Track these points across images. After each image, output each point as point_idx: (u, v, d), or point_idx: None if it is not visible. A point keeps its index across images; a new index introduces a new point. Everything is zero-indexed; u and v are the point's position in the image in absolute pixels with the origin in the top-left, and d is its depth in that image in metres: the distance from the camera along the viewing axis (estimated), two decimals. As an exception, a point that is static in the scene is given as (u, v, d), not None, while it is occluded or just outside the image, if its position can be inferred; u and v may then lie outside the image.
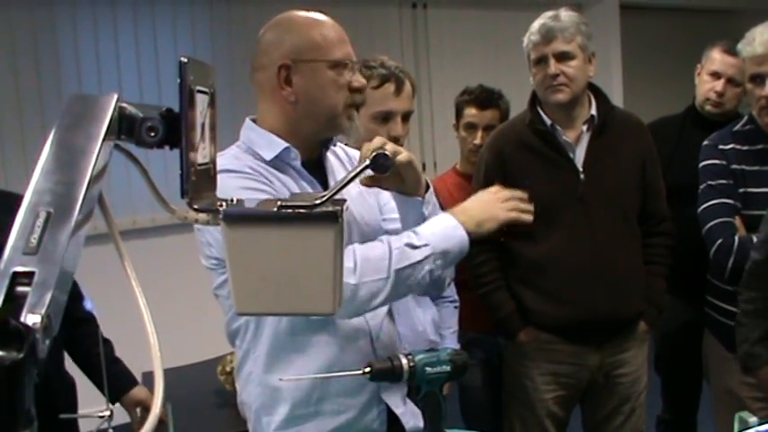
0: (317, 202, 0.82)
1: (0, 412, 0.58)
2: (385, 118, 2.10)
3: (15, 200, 0.69)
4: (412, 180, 1.52)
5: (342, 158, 1.71)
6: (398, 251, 1.45)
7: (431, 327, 2.34)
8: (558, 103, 2.29)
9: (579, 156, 2.32)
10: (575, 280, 2.28)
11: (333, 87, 1.53)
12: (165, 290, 3.66)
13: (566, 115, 2.33)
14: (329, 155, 1.67)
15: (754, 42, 2.20)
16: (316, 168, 1.62)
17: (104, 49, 4.32)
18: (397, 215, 1.61)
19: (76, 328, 2.12)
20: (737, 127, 2.36)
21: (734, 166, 2.29)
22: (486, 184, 2.37)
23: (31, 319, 0.60)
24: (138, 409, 2.21)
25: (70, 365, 2.18)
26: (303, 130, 1.57)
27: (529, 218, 1.60)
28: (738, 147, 2.32)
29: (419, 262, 1.46)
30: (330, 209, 0.83)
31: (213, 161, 0.87)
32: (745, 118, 2.38)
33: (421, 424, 1.52)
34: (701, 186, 2.33)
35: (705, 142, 2.40)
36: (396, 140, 1.98)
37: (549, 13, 2.30)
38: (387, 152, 1.06)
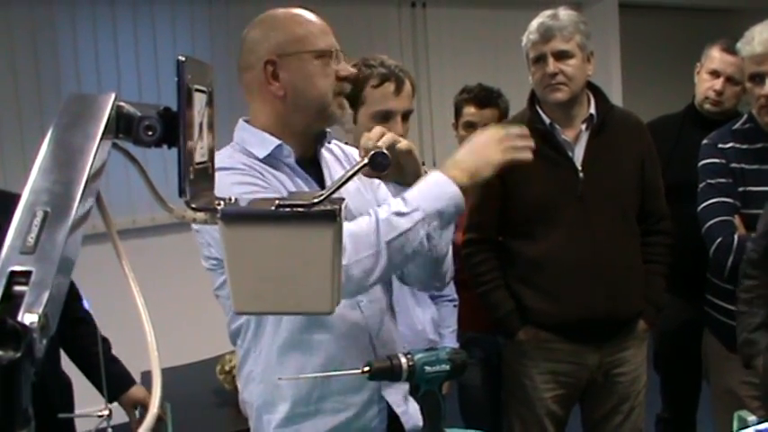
0: (316, 200, 0.82)
1: (-3, 412, 0.58)
2: (385, 117, 2.10)
3: (13, 199, 0.68)
4: (411, 169, 1.51)
5: (338, 155, 1.71)
6: (385, 222, 1.40)
7: (430, 326, 2.34)
8: (556, 101, 2.29)
9: (578, 155, 2.32)
10: (574, 279, 2.28)
11: (320, 77, 1.54)
12: (164, 289, 3.66)
13: (565, 114, 2.33)
14: (324, 152, 1.67)
15: (754, 41, 2.20)
16: (311, 166, 1.62)
17: (103, 48, 4.32)
18: None
19: (74, 327, 2.12)
20: (737, 126, 2.36)
21: (733, 165, 2.29)
22: (485, 182, 2.37)
23: (29, 318, 0.60)
24: (138, 409, 2.20)
25: (68, 366, 2.18)
26: (295, 125, 1.58)
27: (528, 155, 1.53)
28: (738, 145, 2.32)
29: (410, 229, 1.40)
30: (328, 208, 0.82)
31: (211, 160, 0.87)
32: (745, 116, 2.38)
33: (420, 423, 1.52)
34: (701, 185, 2.33)
35: (704, 141, 2.40)
36: None
37: (548, 12, 2.30)
38: (385, 151, 1.06)
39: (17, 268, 0.63)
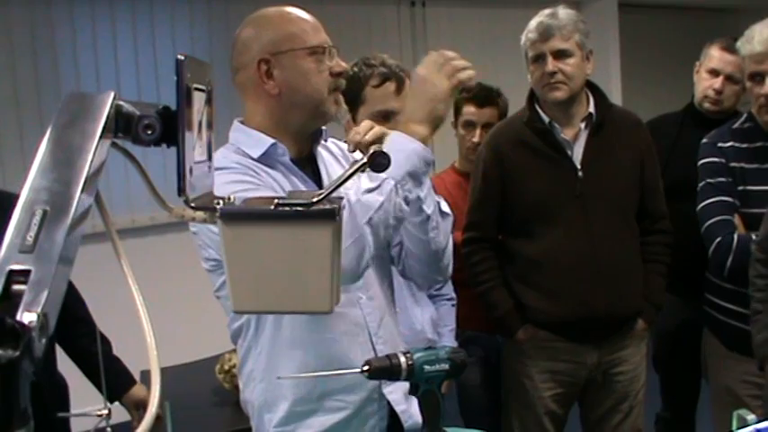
0: (315, 200, 0.82)
1: (-4, 411, 0.58)
2: (385, 117, 2.10)
3: (11, 199, 0.68)
4: None
5: (335, 153, 1.71)
6: (358, 204, 1.39)
7: (429, 325, 2.34)
8: (555, 100, 2.28)
9: (577, 153, 2.32)
10: (573, 277, 2.28)
11: (314, 73, 1.53)
12: (163, 288, 3.66)
13: (564, 113, 2.33)
14: (321, 150, 1.67)
15: (754, 40, 2.20)
16: (307, 164, 1.62)
17: (103, 47, 4.32)
18: None
19: (74, 327, 2.12)
20: (736, 124, 2.36)
21: (733, 164, 2.29)
22: (485, 181, 2.39)
23: (28, 317, 0.60)
24: (140, 410, 2.20)
25: (67, 368, 2.17)
26: (291, 123, 1.57)
27: (471, 73, 1.48)
28: (737, 144, 2.31)
29: (385, 201, 1.40)
30: (327, 207, 0.82)
31: (210, 159, 0.87)
32: (745, 115, 2.38)
33: (420, 421, 1.52)
34: (700, 184, 2.33)
35: (704, 140, 2.40)
36: None
37: (547, 11, 2.30)
38: (385, 150, 1.06)
39: (16, 267, 0.63)
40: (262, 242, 0.82)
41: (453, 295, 2.48)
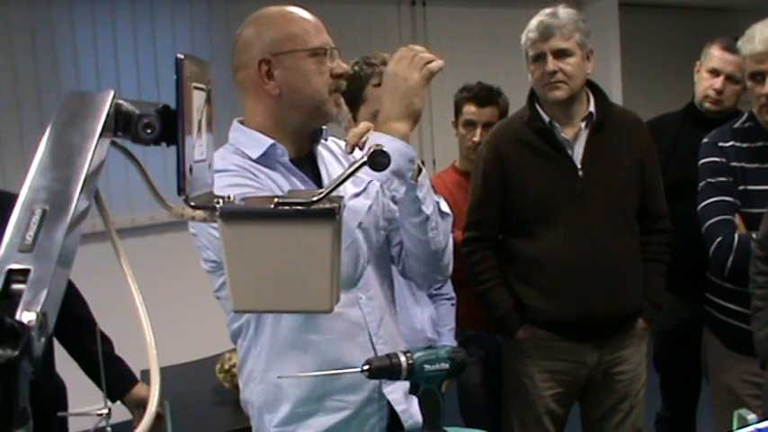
0: (315, 198, 0.82)
1: (-5, 410, 0.58)
2: None
3: (10, 199, 0.68)
4: None
5: (335, 152, 1.70)
6: (347, 210, 1.38)
7: (429, 325, 2.34)
8: (556, 100, 2.28)
9: (578, 153, 2.32)
10: (573, 277, 2.28)
11: (315, 75, 1.53)
12: (164, 288, 3.67)
13: (564, 112, 2.33)
14: (321, 149, 1.67)
15: (754, 40, 2.20)
16: (307, 163, 1.62)
17: (103, 47, 4.32)
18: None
19: (76, 327, 2.11)
20: (737, 124, 2.36)
21: (733, 164, 2.29)
22: (485, 181, 2.38)
23: (27, 316, 0.60)
24: (142, 409, 2.20)
25: (67, 368, 2.17)
26: (290, 124, 1.57)
27: (439, 63, 1.48)
28: (738, 144, 2.31)
29: (373, 203, 1.41)
30: (327, 206, 0.82)
31: (210, 158, 0.87)
32: (745, 115, 2.38)
33: (421, 421, 1.52)
34: (701, 184, 2.33)
35: (704, 139, 2.39)
36: None
37: (547, 11, 2.30)
38: (385, 149, 1.06)
39: (15, 266, 0.63)
40: (261, 241, 0.82)
41: (453, 294, 2.48)
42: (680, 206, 2.44)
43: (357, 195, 1.41)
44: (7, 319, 0.58)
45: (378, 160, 1.00)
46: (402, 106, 1.46)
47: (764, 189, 2.24)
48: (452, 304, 2.47)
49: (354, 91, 2.08)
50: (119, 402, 2.17)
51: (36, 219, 0.66)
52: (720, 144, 2.33)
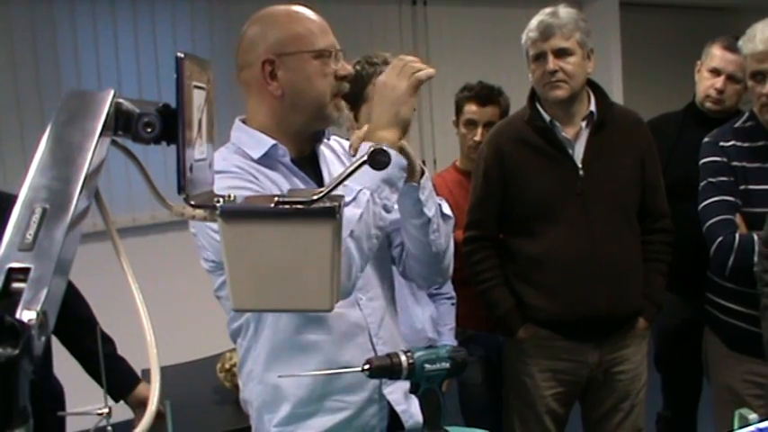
0: (315, 197, 0.82)
1: (-5, 409, 0.58)
2: None
3: (10, 200, 0.68)
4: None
5: (337, 151, 1.70)
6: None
7: (429, 324, 2.34)
8: (556, 99, 2.28)
9: (578, 152, 2.32)
10: (573, 276, 2.28)
11: (318, 77, 1.52)
12: (164, 287, 3.67)
13: (565, 112, 2.33)
14: (323, 149, 1.66)
15: (755, 39, 2.19)
16: (308, 164, 1.62)
17: (103, 46, 4.32)
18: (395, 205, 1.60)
19: (77, 328, 2.11)
20: (738, 124, 2.36)
21: (734, 163, 2.28)
22: (486, 180, 2.38)
23: (27, 315, 0.60)
24: (143, 408, 2.20)
25: (67, 368, 2.17)
26: (292, 125, 1.57)
27: (430, 71, 1.48)
28: (739, 143, 2.31)
29: (364, 212, 1.40)
30: (328, 204, 0.82)
31: (210, 157, 0.87)
32: (746, 114, 2.37)
33: (421, 421, 1.52)
34: (702, 183, 2.33)
35: (705, 139, 2.39)
36: None
37: (548, 10, 2.30)
38: (385, 148, 1.06)
39: (15, 265, 0.63)
40: (262, 240, 0.82)
41: (453, 294, 2.48)
42: (681, 206, 2.43)
43: (347, 204, 1.40)
44: (7, 318, 0.58)
45: (378, 159, 1.00)
46: (389, 115, 1.46)
47: (765, 188, 2.24)
48: (452, 303, 2.47)
49: (356, 90, 2.08)
50: (120, 402, 2.17)
51: (36, 218, 0.66)
52: (721, 143, 2.33)
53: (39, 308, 0.61)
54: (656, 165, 2.43)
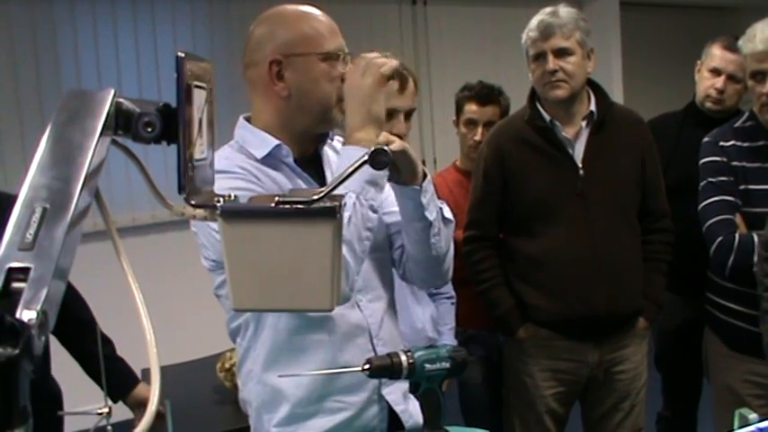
0: (316, 197, 0.82)
1: (-5, 408, 0.58)
2: (388, 115, 2.09)
3: (10, 200, 0.68)
4: (407, 169, 1.51)
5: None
6: None
7: (430, 324, 2.34)
8: (556, 99, 2.28)
9: (578, 151, 2.32)
10: (574, 276, 2.28)
11: (325, 79, 1.51)
12: (164, 287, 3.66)
13: (565, 111, 2.33)
14: (327, 149, 1.66)
15: (755, 39, 2.19)
16: (311, 164, 1.61)
17: (104, 46, 4.32)
18: (396, 207, 1.61)
19: (77, 329, 2.11)
20: (738, 123, 2.36)
21: (734, 163, 2.28)
22: (486, 180, 2.38)
23: (27, 315, 0.60)
24: (143, 408, 2.20)
25: (67, 369, 2.17)
26: (297, 126, 1.56)
27: (391, 64, 1.49)
28: (739, 143, 2.31)
29: (352, 215, 1.40)
30: (328, 204, 0.82)
31: (211, 157, 0.87)
32: (746, 114, 2.37)
33: (421, 421, 1.52)
34: (702, 183, 2.32)
35: (705, 139, 2.39)
36: (399, 138, 1.99)
37: (548, 10, 2.30)
38: (386, 148, 1.06)
39: (16, 264, 0.63)
40: (262, 240, 0.82)
41: (453, 293, 2.48)
42: (681, 205, 2.43)
43: None
44: (7, 318, 0.58)
45: (378, 159, 1.00)
46: (361, 114, 1.46)
47: (765, 188, 2.24)
48: (452, 303, 2.47)
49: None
50: (120, 402, 2.17)
51: (36, 217, 0.66)
52: (721, 143, 2.33)
53: (39, 307, 0.61)
54: (657, 164, 2.43)
